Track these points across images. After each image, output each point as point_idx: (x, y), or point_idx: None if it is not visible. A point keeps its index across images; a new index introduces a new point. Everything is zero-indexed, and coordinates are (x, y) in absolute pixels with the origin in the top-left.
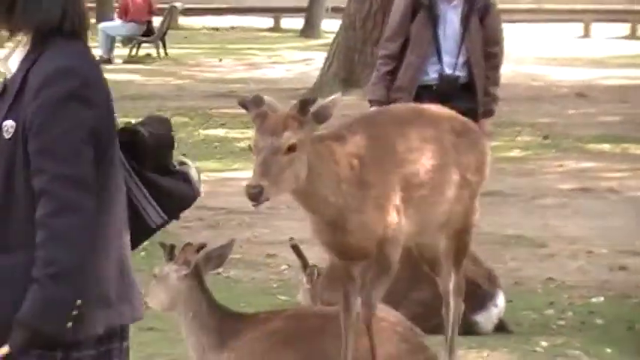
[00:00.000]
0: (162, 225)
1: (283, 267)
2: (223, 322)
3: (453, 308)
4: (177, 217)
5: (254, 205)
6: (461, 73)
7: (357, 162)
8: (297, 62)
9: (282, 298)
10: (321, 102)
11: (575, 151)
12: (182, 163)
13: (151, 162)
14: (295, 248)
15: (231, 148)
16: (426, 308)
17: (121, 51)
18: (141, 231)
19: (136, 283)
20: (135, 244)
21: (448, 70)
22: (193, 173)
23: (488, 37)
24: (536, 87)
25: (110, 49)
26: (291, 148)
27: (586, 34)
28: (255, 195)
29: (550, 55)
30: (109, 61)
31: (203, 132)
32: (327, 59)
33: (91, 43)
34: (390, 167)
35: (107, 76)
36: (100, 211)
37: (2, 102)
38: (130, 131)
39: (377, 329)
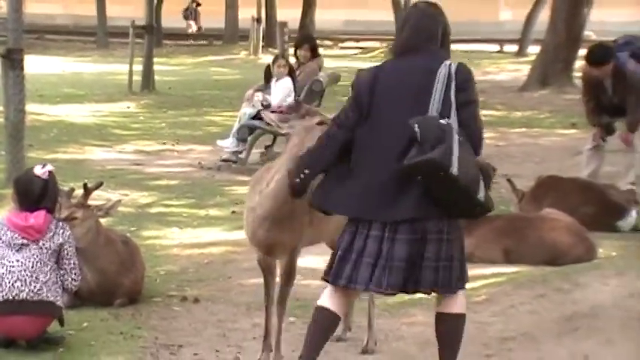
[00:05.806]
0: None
1: (503, 190)
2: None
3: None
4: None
5: None
6: None
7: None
8: (511, 71)
9: (502, 207)
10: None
11: None
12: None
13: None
14: (509, 181)
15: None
16: (589, 219)
17: None
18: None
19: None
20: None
21: None
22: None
23: None
24: None
25: None
26: None
27: None
28: None
29: None
30: None
31: None
32: (531, 69)
33: None
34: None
35: None
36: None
37: None
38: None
39: (556, 225)
